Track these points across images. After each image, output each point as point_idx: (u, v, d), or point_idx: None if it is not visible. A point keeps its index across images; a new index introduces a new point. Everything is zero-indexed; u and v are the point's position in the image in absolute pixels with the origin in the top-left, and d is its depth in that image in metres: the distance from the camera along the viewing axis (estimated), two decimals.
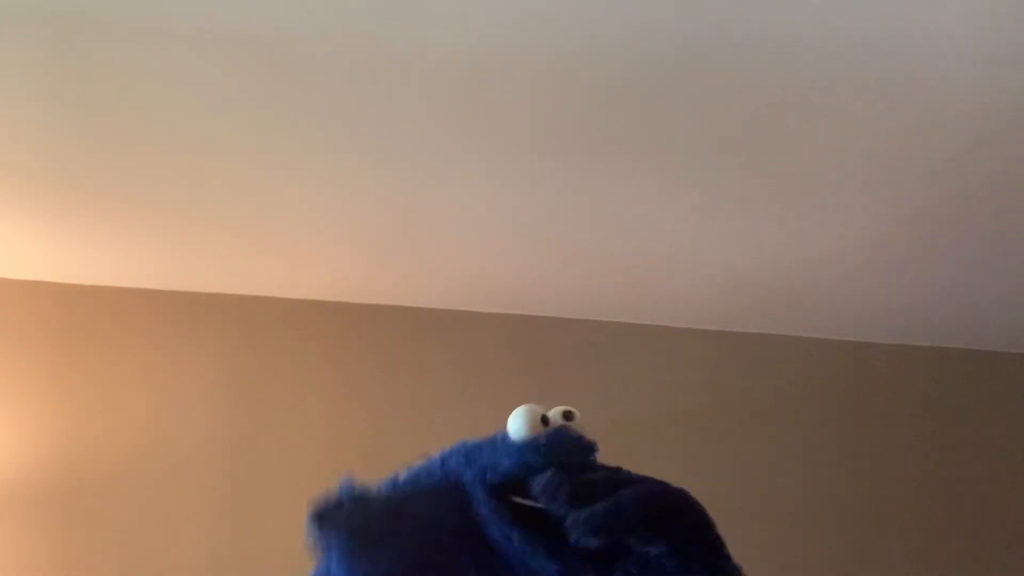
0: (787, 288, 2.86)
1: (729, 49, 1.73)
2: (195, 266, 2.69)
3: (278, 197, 2.29)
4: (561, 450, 1.10)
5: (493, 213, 2.39)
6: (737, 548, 1.16)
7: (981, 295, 2.92)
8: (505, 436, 1.14)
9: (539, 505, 1.08)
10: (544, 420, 1.16)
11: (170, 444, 2.74)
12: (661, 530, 1.07)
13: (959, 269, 2.73)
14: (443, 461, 1.20)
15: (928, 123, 1.98)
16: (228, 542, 2.69)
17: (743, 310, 3.04)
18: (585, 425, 1.22)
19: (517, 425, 1.13)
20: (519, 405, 1.17)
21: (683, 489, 1.15)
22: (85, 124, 1.97)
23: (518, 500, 1.10)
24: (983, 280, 2.81)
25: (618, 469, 1.18)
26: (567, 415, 1.18)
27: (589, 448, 1.14)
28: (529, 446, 1.11)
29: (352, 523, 1.12)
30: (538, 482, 1.07)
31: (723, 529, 1.13)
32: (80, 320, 2.77)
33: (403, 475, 1.21)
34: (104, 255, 2.61)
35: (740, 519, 2.95)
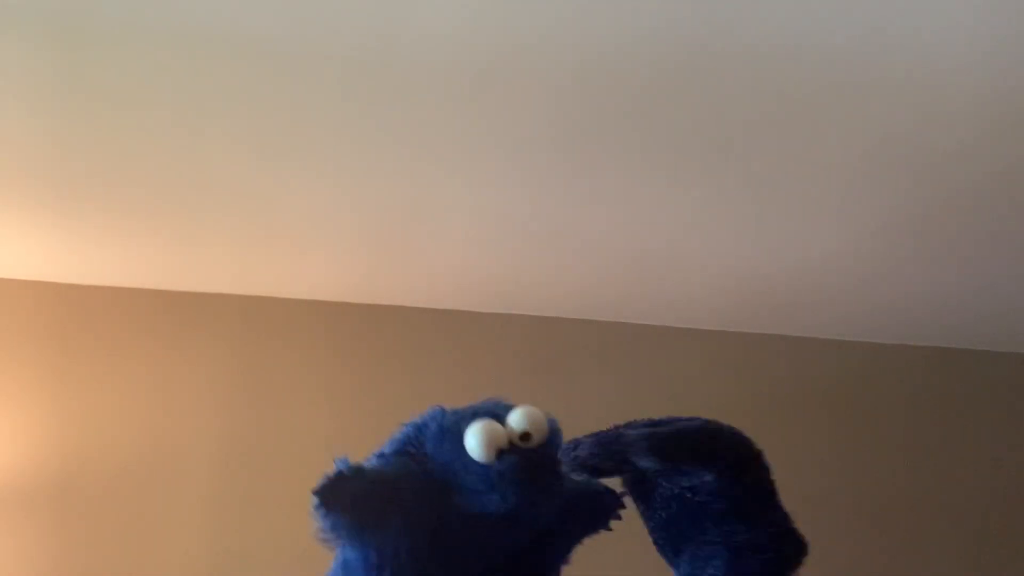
0: (787, 288, 2.86)
1: (729, 51, 1.73)
2: (195, 266, 2.69)
3: (278, 197, 2.29)
4: (511, 483, 1.05)
5: (493, 213, 2.38)
6: None
7: (980, 295, 2.92)
8: (464, 447, 1.09)
9: None
10: (500, 451, 1.09)
11: (170, 444, 2.74)
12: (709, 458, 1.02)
13: (959, 269, 2.73)
14: (418, 431, 1.17)
15: (927, 123, 1.98)
16: (227, 542, 2.69)
17: (743, 310, 3.04)
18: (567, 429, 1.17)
19: (473, 449, 1.08)
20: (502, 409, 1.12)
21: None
22: (85, 124, 1.97)
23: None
24: (983, 280, 2.81)
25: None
26: (524, 437, 1.12)
27: (548, 474, 1.07)
28: (481, 476, 1.06)
29: (356, 501, 1.09)
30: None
31: None
32: (80, 320, 2.77)
33: (387, 448, 1.19)
34: (104, 255, 2.60)
35: None
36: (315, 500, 1.09)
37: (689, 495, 1.03)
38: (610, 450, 1.01)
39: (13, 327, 2.72)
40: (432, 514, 1.11)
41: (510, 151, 2.09)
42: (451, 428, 1.12)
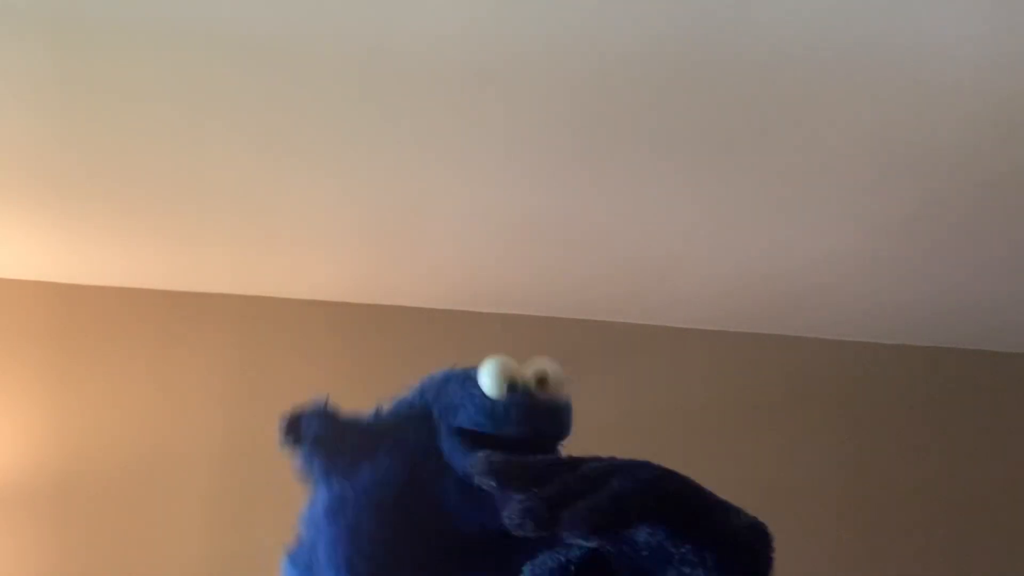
0: (788, 288, 2.86)
1: (730, 51, 1.73)
2: (195, 266, 2.69)
3: (278, 197, 2.29)
4: (514, 423, 1.03)
5: (493, 213, 2.38)
6: None
7: (981, 295, 2.92)
8: (475, 381, 1.08)
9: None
10: (512, 387, 1.08)
11: (169, 444, 2.74)
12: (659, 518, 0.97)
13: (959, 269, 2.73)
14: (422, 392, 1.16)
15: (928, 125, 1.98)
16: (227, 542, 2.69)
17: (743, 310, 3.04)
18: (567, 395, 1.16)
19: (484, 381, 1.06)
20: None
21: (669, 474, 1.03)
22: (85, 124, 1.97)
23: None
24: (983, 280, 2.81)
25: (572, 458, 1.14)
26: (541, 381, 1.11)
27: (549, 420, 1.06)
28: (486, 409, 1.05)
29: (320, 440, 1.11)
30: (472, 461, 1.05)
31: None
32: (80, 320, 2.77)
33: (385, 407, 1.18)
34: (104, 255, 2.60)
35: None
36: (280, 428, 1.10)
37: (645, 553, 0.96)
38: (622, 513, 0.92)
39: (13, 327, 2.72)
40: (405, 474, 1.09)
41: (511, 151, 2.09)
42: (457, 373, 1.12)
